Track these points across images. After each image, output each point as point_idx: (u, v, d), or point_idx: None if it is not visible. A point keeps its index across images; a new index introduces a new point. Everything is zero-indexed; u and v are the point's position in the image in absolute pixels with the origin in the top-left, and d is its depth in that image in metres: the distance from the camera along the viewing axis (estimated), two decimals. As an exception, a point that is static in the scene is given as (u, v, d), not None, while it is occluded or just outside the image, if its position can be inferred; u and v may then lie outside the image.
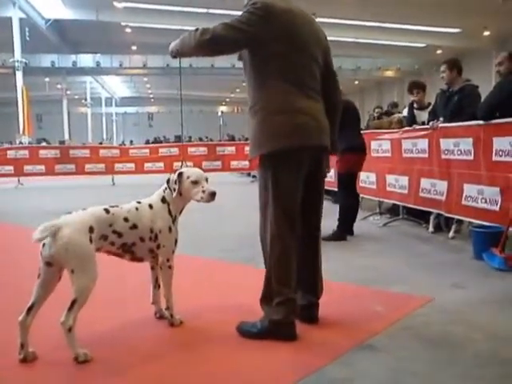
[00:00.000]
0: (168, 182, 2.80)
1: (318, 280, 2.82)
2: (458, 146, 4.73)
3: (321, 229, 2.86)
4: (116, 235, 2.56)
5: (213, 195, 2.77)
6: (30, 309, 2.32)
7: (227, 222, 6.79)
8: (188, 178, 2.78)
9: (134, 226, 2.62)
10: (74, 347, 2.30)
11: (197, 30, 2.45)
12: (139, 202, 2.74)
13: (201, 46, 2.43)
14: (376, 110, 8.67)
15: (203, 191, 2.77)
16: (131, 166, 14.34)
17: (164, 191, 2.79)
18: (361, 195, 7.08)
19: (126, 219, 2.61)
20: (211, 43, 2.41)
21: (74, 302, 2.27)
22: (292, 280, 2.58)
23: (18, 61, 23.13)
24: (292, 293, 2.57)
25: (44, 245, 2.30)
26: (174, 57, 2.70)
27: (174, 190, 2.75)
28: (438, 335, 2.64)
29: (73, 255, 2.29)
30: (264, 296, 2.62)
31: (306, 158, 2.58)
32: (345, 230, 5.33)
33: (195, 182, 2.77)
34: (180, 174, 2.79)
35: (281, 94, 2.51)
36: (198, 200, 2.81)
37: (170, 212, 2.75)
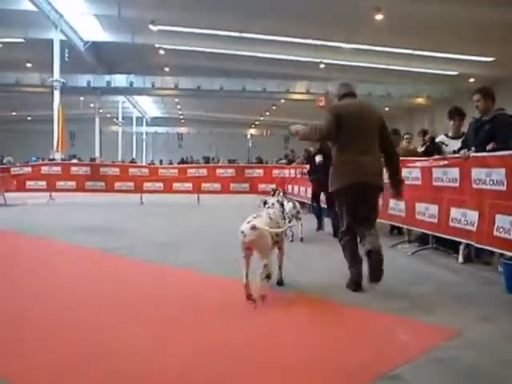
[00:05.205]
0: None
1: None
2: (491, 176, 4.64)
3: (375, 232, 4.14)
4: (274, 233, 3.95)
5: None
6: (246, 276, 3.69)
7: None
8: None
9: (278, 227, 4.12)
10: (261, 291, 3.68)
11: (314, 127, 4.31)
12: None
13: (320, 137, 4.70)
14: (405, 137, 8.61)
15: None
16: (160, 185, 14.53)
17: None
18: (389, 222, 7.02)
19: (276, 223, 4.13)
20: (324, 136, 4.43)
21: (265, 266, 3.73)
22: (352, 257, 4.20)
23: (56, 80, 23.94)
24: (354, 267, 4.16)
25: (245, 236, 3.68)
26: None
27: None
28: (467, 369, 2.57)
29: (262, 244, 3.76)
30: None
31: (350, 190, 4.10)
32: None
33: None
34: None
35: (341, 154, 4.20)
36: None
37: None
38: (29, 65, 29.06)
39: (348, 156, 4.10)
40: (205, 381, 2.44)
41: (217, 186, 14.52)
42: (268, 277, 3.76)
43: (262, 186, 14.26)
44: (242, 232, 3.72)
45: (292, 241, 6.70)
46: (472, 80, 25.73)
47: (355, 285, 4.10)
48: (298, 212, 6.90)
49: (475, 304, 3.84)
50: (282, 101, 34.52)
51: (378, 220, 4.48)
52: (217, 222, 9.75)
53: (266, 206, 4.43)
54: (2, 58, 26.75)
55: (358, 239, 4.20)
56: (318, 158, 7.59)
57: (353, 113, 4.19)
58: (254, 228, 3.70)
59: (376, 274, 3.97)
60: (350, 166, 4.07)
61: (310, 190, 9.44)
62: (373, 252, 3.97)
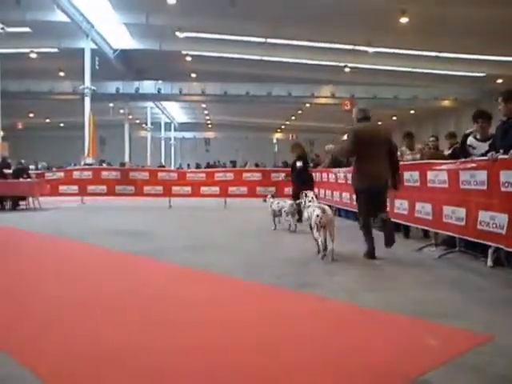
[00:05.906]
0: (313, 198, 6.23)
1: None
2: (520, 179, 4.60)
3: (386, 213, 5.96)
4: None
5: None
6: (321, 240, 5.54)
7: (281, 247, 6.87)
8: None
9: None
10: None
11: (342, 148, 6.83)
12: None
13: (346, 155, 6.97)
14: (431, 139, 8.58)
15: None
16: (188, 189, 14.65)
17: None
18: (415, 225, 7.04)
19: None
20: (348, 153, 6.47)
21: (332, 238, 5.44)
22: (368, 233, 5.76)
23: (87, 88, 24.58)
24: (369, 240, 5.70)
25: (321, 218, 5.38)
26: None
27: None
28: (500, 377, 2.50)
29: (332, 224, 5.45)
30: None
31: (366, 191, 5.80)
32: None
33: None
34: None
35: (359, 164, 5.88)
36: None
37: None
38: (61, 73, 29.88)
39: (364, 166, 5.79)
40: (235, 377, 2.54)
41: (243, 189, 14.59)
42: (333, 258, 5.41)
43: (287, 190, 14.29)
44: (318, 215, 5.41)
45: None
46: (500, 81, 25.22)
47: (371, 254, 5.64)
48: (294, 209, 8.10)
49: (506, 309, 3.74)
50: (308, 105, 34.51)
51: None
52: (242, 225, 9.87)
53: (308, 199, 6.09)
54: (37, 67, 27.67)
55: (373, 220, 5.83)
56: (299, 163, 9.21)
57: (368, 134, 5.84)
58: (325, 212, 5.46)
59: (390, 238, 5.64)
60: (366, 174, 5.77)
61: (342, 194, 10.40)
62: (387, 221, 5.73)
